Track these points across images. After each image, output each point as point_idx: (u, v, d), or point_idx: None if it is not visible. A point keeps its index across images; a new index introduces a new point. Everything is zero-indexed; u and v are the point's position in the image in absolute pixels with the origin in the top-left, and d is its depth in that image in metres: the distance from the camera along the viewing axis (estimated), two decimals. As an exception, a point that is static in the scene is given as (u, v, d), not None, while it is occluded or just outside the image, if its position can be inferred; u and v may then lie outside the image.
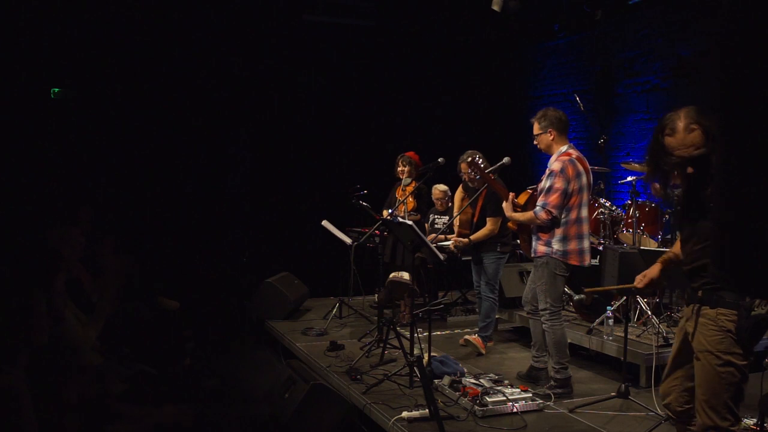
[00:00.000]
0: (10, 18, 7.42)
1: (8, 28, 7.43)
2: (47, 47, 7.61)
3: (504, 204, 5.04)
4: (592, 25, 8.32)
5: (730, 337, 2.81)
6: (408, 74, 9.39)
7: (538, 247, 4.85)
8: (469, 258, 6.12)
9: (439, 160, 6.09)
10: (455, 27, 9.38)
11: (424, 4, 9.17)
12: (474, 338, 5.97)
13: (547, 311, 4.85)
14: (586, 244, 4.82)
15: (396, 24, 9.24)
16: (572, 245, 4.75)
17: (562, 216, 4.73)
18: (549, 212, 4.67)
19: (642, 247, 5.60)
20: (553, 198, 4.66)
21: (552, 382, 4.94)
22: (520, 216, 4.93)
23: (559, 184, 4.65)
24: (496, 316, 6.95)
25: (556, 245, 4.75)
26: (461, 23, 9.29)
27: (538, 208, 4.73)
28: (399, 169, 6.89)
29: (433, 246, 5.19)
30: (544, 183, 4.77)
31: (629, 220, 6.16)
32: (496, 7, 7.74)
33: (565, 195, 4.67)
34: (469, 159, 5.32)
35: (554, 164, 4.75)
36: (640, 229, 6.14)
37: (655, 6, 7.77)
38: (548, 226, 4.76)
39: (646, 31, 7.96)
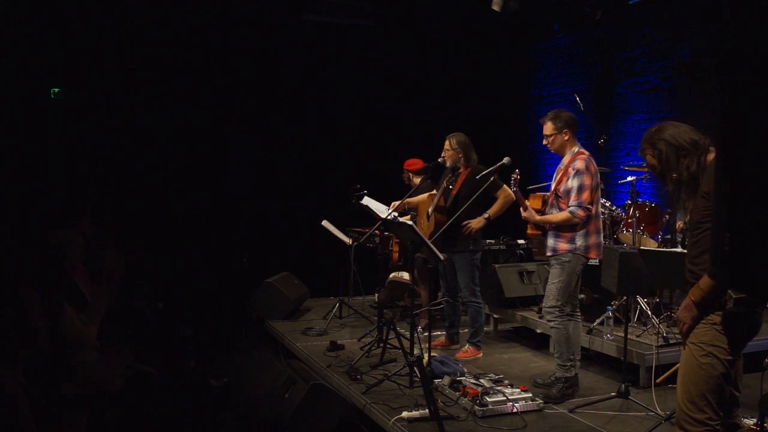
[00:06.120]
0: (10, 18, 7.42)
1: (8, 28, 7.43)
2: (47, 47, 7.61)
3: (525, 213, 5.03)
4: (592, 25, 8.32)
5: (715, 330, 2.84)
6: (408, 74, 9.38)
7: (560, 245, 4.88)
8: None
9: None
10: (455, 27, 9.38)
11: (423, 4, 9.17)
12: (466, 353, 5.88)
13: (557, 309, 4.86)
14: (601, 237, 4.97)
15: (395, 24, 9.24)
16: (593, 239, 4.88)
17: None
18: (586, 209, 4.78)
19: (642, 247, 5.58)
20: (586, 195, 4.77)
21: (554, 379, 4.94)
22: (552, 218, 4.92)
23: (588, 180, 4.78)
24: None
25: (579, 241, 4.83)
26: (461, 23, 9.29)
27: (573, 207, 4.78)
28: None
29: (433, 246, 5.18)
30: (571, 182, 4.81)
31: (629, 220, 6.16)
32: (496, 7, 7.73)
33: (592, 191, 4.81)
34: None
35: (577, 163, 4.82)
36: (640, 229, 6.13)
37: (655, 6, 7.77)
38: (574, 224, 4.83)
39: (646, 31, 7.96)
